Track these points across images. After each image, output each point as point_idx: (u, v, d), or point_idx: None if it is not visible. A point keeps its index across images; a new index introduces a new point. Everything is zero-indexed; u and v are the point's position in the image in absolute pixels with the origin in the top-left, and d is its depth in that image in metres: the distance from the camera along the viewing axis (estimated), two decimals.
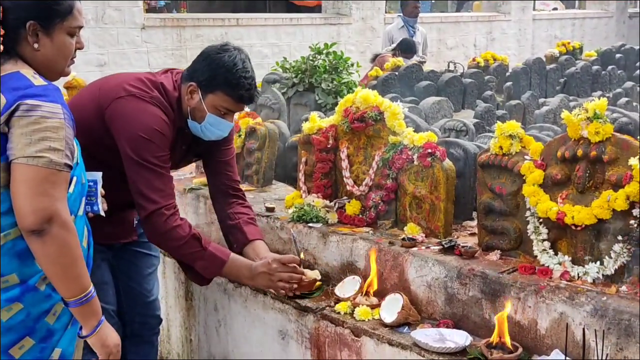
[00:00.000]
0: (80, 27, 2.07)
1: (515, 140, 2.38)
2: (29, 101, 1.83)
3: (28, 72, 1.91)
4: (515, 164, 2.35)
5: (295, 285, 2.58)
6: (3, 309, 1.86)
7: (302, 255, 2.70)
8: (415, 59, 7.49)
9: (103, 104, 2.46)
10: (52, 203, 1.84)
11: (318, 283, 2.70)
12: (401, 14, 8.67)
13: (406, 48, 7.60)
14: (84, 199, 2.06)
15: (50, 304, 1.96)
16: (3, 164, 1.84)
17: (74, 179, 1.99)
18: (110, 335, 2.07)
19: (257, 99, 2.43)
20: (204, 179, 3.59)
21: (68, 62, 2.07)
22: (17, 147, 1.81)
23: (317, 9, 14.11)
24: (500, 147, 2.39)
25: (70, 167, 1.90)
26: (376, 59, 7.59)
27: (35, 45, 1.95)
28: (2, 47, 1.90)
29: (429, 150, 2.62)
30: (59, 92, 1.95)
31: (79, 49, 2.09)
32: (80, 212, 2.05)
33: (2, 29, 1.89)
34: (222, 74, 2.47)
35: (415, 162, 2.66)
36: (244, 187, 3.44)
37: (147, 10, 9.27)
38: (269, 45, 10.26)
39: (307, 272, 2.63)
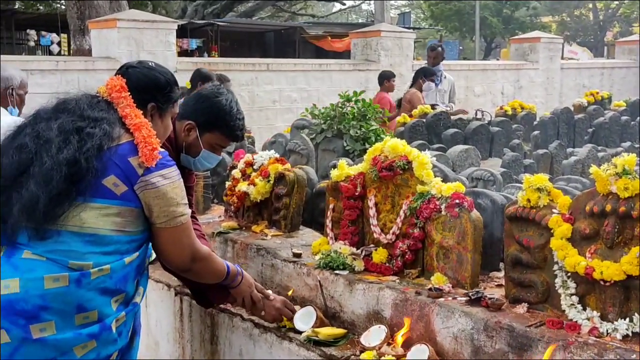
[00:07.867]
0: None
1: (543, 193, 2.38)
2: (161, 172, 2.13)
3: None
4: (542, 217, 2.35)
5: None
6: (79, 346, 1.91)
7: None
8: (442, 107, 7.54)
9: None
10: (190, 249, 2.29)
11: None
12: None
13: (380, 80, 8.47)
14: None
15: (115, 348, 2.03)
16: (118, 208, 2.06)
17: None
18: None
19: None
20: (232, 223, 3.65)
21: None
22: (164, 214, 2.16)
23: (345, 54, 14.30)
24: (528, 200, 2.39)
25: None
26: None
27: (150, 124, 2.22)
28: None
29: (457, 201, 2.64)
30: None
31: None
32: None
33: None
34: (222, 117, 2.81)
35: (443, 212, 2.67)
36: (271, 232, 3.49)
37: (179, 54, 9.49)
38: (298, 90, 10.43)
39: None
